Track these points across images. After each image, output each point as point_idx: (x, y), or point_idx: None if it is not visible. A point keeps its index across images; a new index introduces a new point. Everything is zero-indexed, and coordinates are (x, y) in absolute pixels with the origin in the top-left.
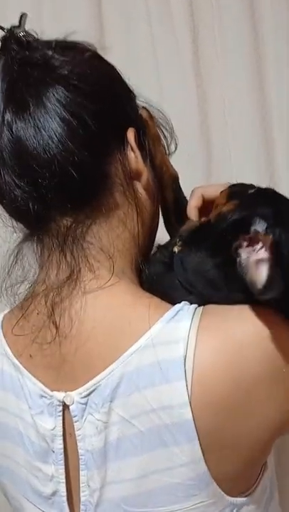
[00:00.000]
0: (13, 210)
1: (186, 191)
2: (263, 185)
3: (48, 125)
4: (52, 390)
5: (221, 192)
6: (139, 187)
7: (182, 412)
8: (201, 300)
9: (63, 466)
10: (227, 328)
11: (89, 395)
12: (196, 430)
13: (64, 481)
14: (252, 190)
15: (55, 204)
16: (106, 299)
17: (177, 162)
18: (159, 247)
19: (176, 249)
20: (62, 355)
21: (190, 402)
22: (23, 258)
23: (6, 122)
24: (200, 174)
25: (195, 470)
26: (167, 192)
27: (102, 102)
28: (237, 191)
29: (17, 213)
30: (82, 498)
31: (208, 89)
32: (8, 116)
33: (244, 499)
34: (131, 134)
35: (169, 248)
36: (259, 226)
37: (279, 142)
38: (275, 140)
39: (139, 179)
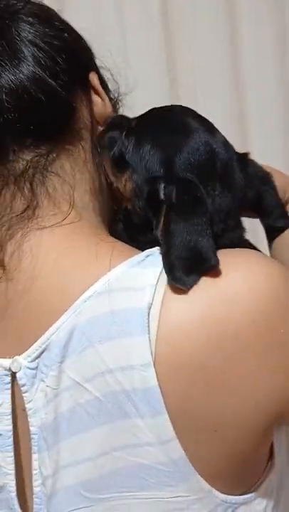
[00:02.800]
0: None
1: None
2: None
3: (13, 53)
4: None
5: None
6: None
7: (144, 376)
8: None
9: (12, 453)
10: (209, 275)
11: (39, 356)
12: (164, 401)
13: (13, 471)
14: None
15: (14, 133)
16: (63, 237)
17: None
18: None
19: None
20: (9, 303)
21: (154, 364)
22: None
23: None
24: None
25: (166, 452)
26: None
27: (64, 41)
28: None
29: None
30: (36, 489)
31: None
32: None
33: (241, 497)
34: (94, 77)
35: None
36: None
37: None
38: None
39: None
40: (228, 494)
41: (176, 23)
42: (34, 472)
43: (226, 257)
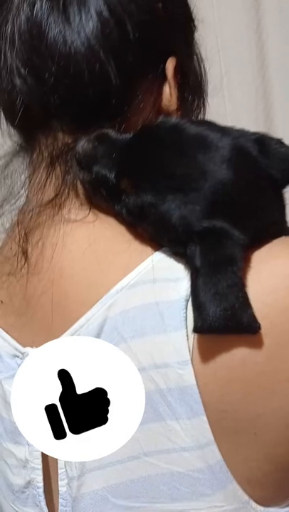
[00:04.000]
0: (7, 104)
1: None
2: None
3: (79, 15)
4: (24, 346)
5: None
6: None
7: (181, 374)
8: None
9: None
10: (256, 264)
11: None
12: (202, 401)
13: (40, 466)
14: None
15: (57, 111)
16: (93, 230)
17: None
18: None
19: None
20: (32, 295)
21: (192, 361)
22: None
23: None
24: None
25: (204, 458)
26: None
27: (152, 14)
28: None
29: (9, 109)
30: (61, 489)
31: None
32: None
33: (283, 511)
34: (170, 64)
35: None
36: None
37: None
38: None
39: None
40: (268, 507)
41: (201, 9)
42: (60, 471)
43: (263, 250)
